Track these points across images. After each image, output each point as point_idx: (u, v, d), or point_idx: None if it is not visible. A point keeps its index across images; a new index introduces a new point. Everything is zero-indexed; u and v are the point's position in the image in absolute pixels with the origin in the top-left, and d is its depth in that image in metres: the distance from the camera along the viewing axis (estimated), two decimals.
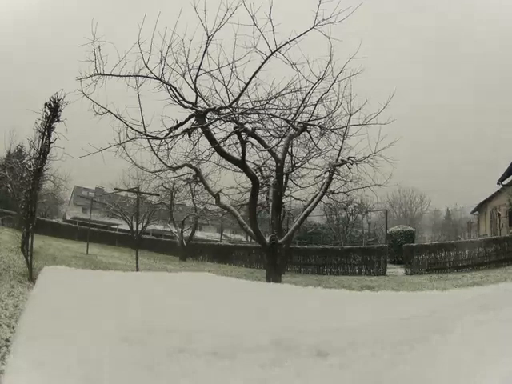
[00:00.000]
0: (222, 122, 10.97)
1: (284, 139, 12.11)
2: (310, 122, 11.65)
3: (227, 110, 10.48)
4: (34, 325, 4.26)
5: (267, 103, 10.77)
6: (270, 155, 12.84)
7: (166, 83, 9.83)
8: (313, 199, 12.86)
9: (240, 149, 11.46)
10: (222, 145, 11.01)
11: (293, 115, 11.52)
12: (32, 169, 8.97)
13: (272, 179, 12.84)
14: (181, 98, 10.18)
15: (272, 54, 9.66)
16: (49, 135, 8.77)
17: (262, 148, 12.24)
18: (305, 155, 13.77)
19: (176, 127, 10.32)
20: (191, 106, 10.25)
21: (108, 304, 5.76)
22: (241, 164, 11.42)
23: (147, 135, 10.09)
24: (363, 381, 3.39)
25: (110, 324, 4.52)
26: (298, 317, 5.69)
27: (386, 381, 3.34)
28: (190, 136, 10.75)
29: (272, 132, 12.34)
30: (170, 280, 10.20)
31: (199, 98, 10.44)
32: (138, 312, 5.39)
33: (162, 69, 9.62)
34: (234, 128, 10.72)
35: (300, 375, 3.52)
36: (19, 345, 3.66)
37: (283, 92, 10.79)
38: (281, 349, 4.03)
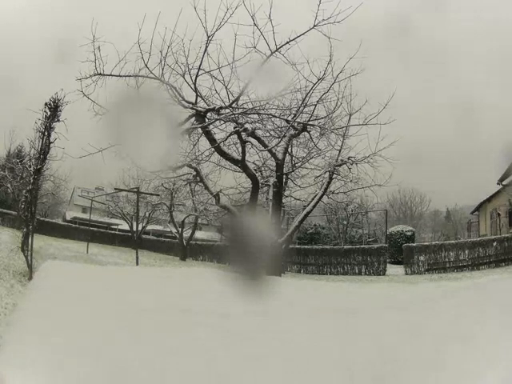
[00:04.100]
0: (222, 122, 10.99)
1: (284, 139, 12.12)
2: (310, 122, 11.66)
3: (227, 110, 10.49)
4: (29, 318, 4.29)
5: (267, 103, 10.80)
6: (270, 155, 12.85)
7: (166, 83, 9.84)
8: (313, 199, 12.86)
9: (240, 149, 11.48)
10: (221, 145, 11.02)
11: (293, 115, 11.53)
12: (32, 169, 8.97)
13: (272, 179, 12.85)
14: (181, 98, 10.20)
15: (272, 54, 9.69)
16: (49, 135, 8.78)
17: (262, 148, 12.25)
18: (305, 155, 13.78)
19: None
20: (191, 106, 10.26)
21: (107, 295, 5.79)
22: (241, 164, 11.43)
23: None
24: None
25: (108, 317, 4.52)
26: None
27: None
28: (189, 136, 10.77)
29: (272, 132, 12.35)
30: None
31: (199, 98, 10.46)
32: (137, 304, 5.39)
33: (162, 69, 9.66)
34: (234, 128, 10.74)
35: None
36: (13, 341, 3.67)
37: (283, 92, 10.82)
38: None
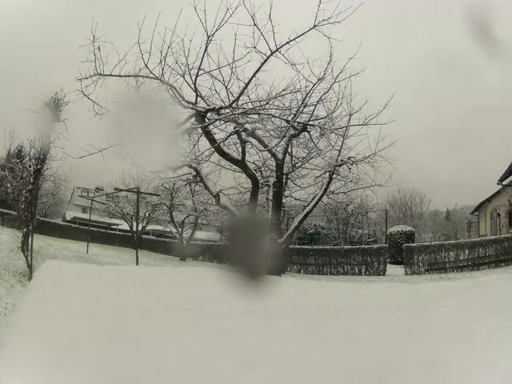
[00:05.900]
0: (222, 122, 10.99)
1: (284, 139, 12.12)
2: (310, 122, 11.67)
3: (227, 110, 10.49)
4: (29, 319, 4.29)
5: (267, 103, 10.80)
6: (270, 155, 12.85)
7: (166, 83, 9.85)
8: (313, 199, 12.87)
9: (240, 149, 11.48)
10: (221, 145, 11.03)
11: (293, 115, 11.54)
12: (32, 169, 8.97)
13: (272, 179, 12.85)
14: (181, 98, 10.20)
15: (272, 54, 9.68)
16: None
17: (262, 148, 12.25)
18: (305, 155, 13.78)
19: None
20: (191, 106, 10.27)
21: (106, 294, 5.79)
22: (241, 164, 11.43)
23: None
24: None
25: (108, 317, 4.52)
26: None
27: None
28: (189, 136, 10.78)
29: (272, 132, 12.36)
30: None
31: (199, 98, 10.47)
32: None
33: (162, 69, 9.66)
34: (234, 128, 10.74)
35: None
36: (12, 341, 3.67)
37: (283, 92, 10.83)
38: None
